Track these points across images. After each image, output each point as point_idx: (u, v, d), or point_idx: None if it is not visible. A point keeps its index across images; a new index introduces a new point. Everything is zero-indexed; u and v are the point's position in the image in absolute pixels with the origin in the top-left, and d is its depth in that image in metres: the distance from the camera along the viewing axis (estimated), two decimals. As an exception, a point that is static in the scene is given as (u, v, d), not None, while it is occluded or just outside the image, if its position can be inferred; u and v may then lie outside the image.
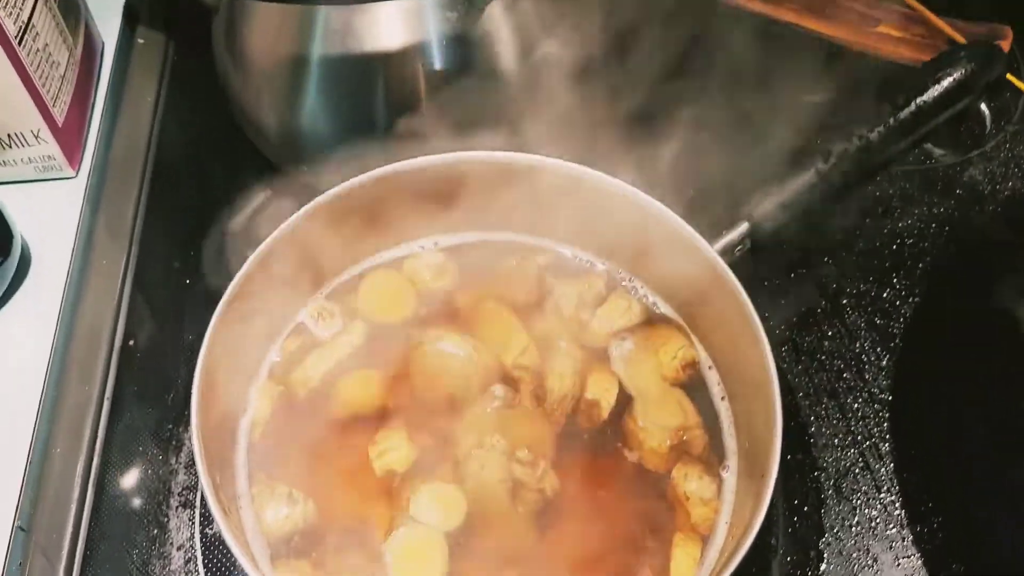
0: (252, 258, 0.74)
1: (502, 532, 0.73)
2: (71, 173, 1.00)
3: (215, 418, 0.72)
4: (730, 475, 0.74)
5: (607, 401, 0.78)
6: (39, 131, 0.94)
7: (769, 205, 0.77)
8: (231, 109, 1.03)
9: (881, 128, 0.76)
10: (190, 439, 0.86)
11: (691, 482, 0.73)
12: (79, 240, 0.96)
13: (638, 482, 0.75)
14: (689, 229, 0.76)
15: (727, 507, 0.73)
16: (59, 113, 0.96)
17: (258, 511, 0.72)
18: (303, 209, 0.76)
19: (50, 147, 0.96)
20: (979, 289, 0.96)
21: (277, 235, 0.75)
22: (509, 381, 0.79)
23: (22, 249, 0.94)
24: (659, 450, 0.74)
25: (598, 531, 0.73)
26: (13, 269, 0.92)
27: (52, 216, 0.97)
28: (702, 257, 0.76)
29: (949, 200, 1.04)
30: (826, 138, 0.76)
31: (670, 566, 0.70)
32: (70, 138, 0.99)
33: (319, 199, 0.77)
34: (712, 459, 0.75)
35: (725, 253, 0.76)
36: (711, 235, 0.76)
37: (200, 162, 1.06)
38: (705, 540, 0.71)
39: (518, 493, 0.73)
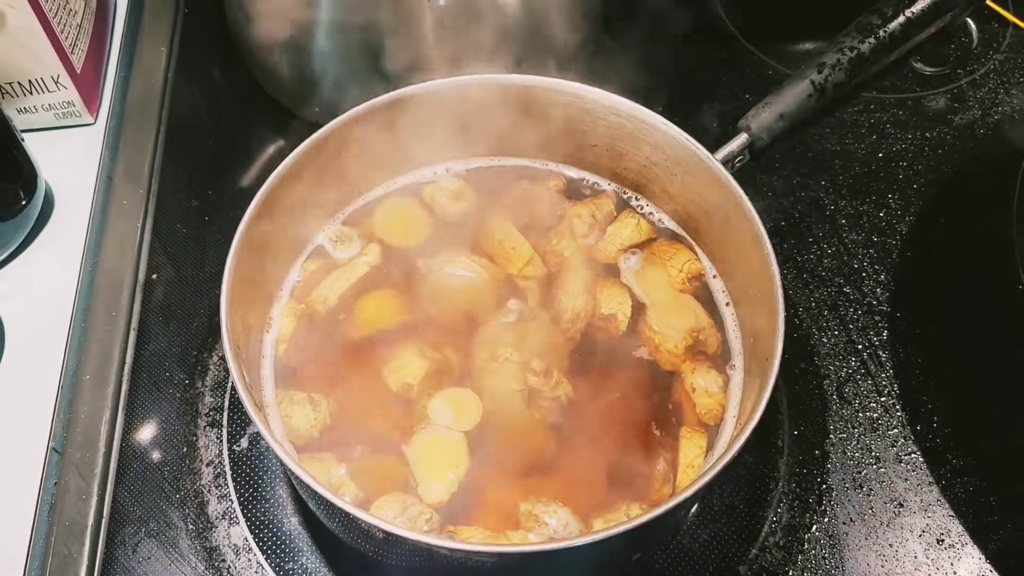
0: (271, 180, 0.77)
1: (520, 434, 0.76)
2: (90, 119, 1.03)
3: (242, 335, 0.75)
4: (736, 373, 0.77)
5: (623, 313, 0.81)
6: (59, 76, 0.97)
7: (766, 116, 0.79)
8: (242, 55, 1.06)
9: (872, 40, 0.79)
10: (215, 364, 0.90)
11: (699, 377, 0.76)
12: (100, 182, 0.99)
13: (651, 383, 0.78)
14: (692, 141, 0.78)
15: (734, 401, 0.76)
16: (77, 60, 0.99)
17: (284, 416, 0.75)
18: (319, 131, 0.79)
19: (69, 93, 0.99)
20: (970, 208, 0.99)
21: (295, 157, 0.78)
22: (520, 294, 0.82)
23: (46, 192, 0.97)
24: (675, 351, 0.77)
25: (613, 429, 0.76)
26: (38, 210, 0.96)
27: (73, 161, 1.01)
28: (705, 168, 0.78)
29: (941, 125, 1.07)
30: (819, 49, 0.79)
31: (679, 457, 0.74)
32: (88, 84, 1.02)
33: (335, 121, 0.79)
34: (720, 358, 0.78)
35: (726, 163, 0.79)
36: (712, 147, 0.79)
37: (214, 107, 1.09)
38: (712, 431, 0.74)
39: (534, 401, 0.76)
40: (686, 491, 0.62)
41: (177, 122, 1.07)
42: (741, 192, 0.75)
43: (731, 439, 0.70)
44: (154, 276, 0.95)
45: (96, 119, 1.04)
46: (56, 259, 0.95)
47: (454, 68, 0.96)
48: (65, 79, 0.98)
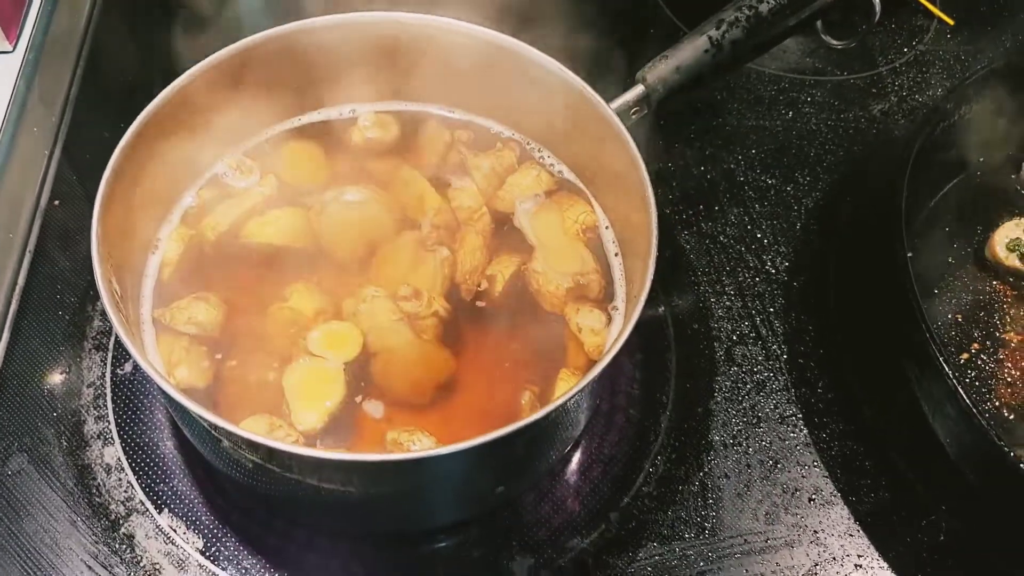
0: (168, 89, 0.77)
1: (416, 360, 0.76)
2: (8, 47, 1.02)
3: (121, 244, 0.74)
4: (618, 315, 0.78)
5: (503, 276, 0.81)
6: (-26, -1, 0.96)
7: (663, 68, 0.80)
8: (168, -6, 1.06)
9: (771, 1, 0.80)
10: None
11: (583, 316, 0.76)
12: (12, 108, 0.98)
13: (533, 323, 0.78)
14: (588, 89, 0.79)
15: (611, 341, 0.76)
16: (-4, -16, 0.99)
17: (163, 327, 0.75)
18: (218, 53, 0.79)
19: (-14, 16, 0.98)
20: (872, 190, 1.01)
21: (189, 77, 0.78)
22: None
23: (-46, 113, 0.96)
24: (556, 292, 0.78)
25: (491, 365, 0.76)
26: (-57, 130, 0.95)
27: (-14, 85, 1.00)
28: (600, 117, 0.79)
29: (857, 109, 1.09)
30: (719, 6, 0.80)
31: (553, 394, 0.74)
32: (7, 10, 1.01)
33: (243, 41, 0.79)
34: (604, 301, 0.79)
35: (622, 114, 0.80)
36: (608, 97, 0.80)
37: (137, 42, 1.09)
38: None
39: (415, 324, 0.76)
40: (547, 407, 0.63)
41: (98, 54, 1.06)
42: (630, 140, 0.76)
43: (593, 370, 0.71)
44: (56, 202, 0.95)
45: (14, 47, 1.03)
46: (-42, 178, 0.94)
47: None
48: (-18, 2, 0.97)
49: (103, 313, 0.88)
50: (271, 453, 0.64)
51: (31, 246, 0.92)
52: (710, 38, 0.80)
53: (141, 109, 1.01)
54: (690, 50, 0.81)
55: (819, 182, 1.02)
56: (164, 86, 1.04)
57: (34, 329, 0.87)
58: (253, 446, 0.63)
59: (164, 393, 0.63)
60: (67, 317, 0.88)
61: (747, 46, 0.82)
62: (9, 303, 0.87)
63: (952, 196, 0.99)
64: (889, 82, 1.11)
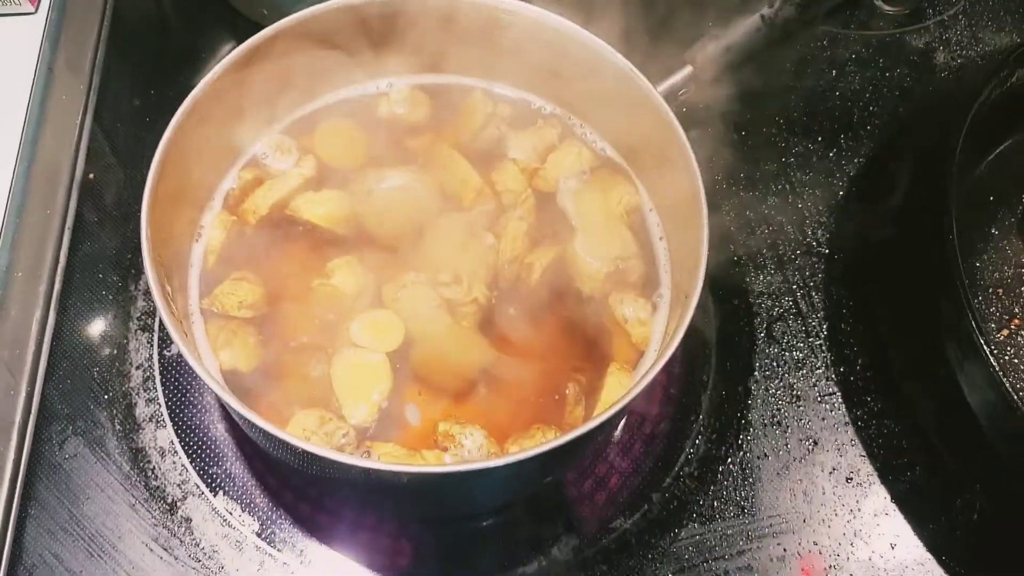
0: (203, 83, 0.75)
1: (450, 352, 0.77)
2: (30, 8, 1.00)
3: (168, 240, 0.74)
4: (664, 303, 0.78)
5: (540, 264, 0.81)
6: (-4, -39, 0.93)
7: (713, 49, 0.78)
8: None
9: (826, -25, 0.78)
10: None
11: (627, 306, 0.76)
12: (38, 75, 0.96)
13: (576, 309, 0.78)
14: (635, 71, 0.77)
15: (658, 333, 0.76)
16: (16, -56, 0.96)
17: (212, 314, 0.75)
18: (257, 35, 0.76)
19: (8, -22, 0.95)
20: (918, 154, 0.99)
21: (231, 60, 0.76)
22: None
23: (-19, 82, 0.95)
24: (595, 276, 0.78)
25: (533, 354, 0.77)
26: (-27, 100, 0.93)
27: (11, 51, 0.98)
28: (646, 100, 0.77)
29: (903, 66, 1.06)
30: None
31: (601, 388, 0.75)
32: (28, -29, 0.98)
33: (279, 23, 0.77)
34: (647, 288, 0.79)
35: (669, 96, 0.78)
36: (656, 78, 0.78)
37: (161, 6, 1.06)
38: (641, 358, 0.75)
39: (455, 311, 0.77)
40: (599, 418, 0.63)
41: (122, 17, 1.03)
42: (678, 126, 0.74)
43: (643, 374, 0.71)
44: (91, 175, 0.94)
45: (37, 8, 1.00)
46: (-9, 151, 0.93)
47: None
48: (3, -36, 0.94)
49: (146, 293, 0.88)
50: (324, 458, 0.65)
51: (70, 222, 0.91)
52: (762, 16, 0.78)
53: (167, 75, 1.01)
54: (741, 29, 0.79)
55: (862, 147, 1.00)
56: (190, 49, 1.03)
57: (79, 310, 0.88)
58: (309, 455, 0.64)
59: (219, 398, 0.64)
60: (110, 297, 0.88)
61: (799, 22, 0.79)
62: (52, 283, 0.88)
63: (997, 164, 0.97)
64: (937, 36, 1.08)
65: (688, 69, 0.78)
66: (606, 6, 0.81)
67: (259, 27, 0.98)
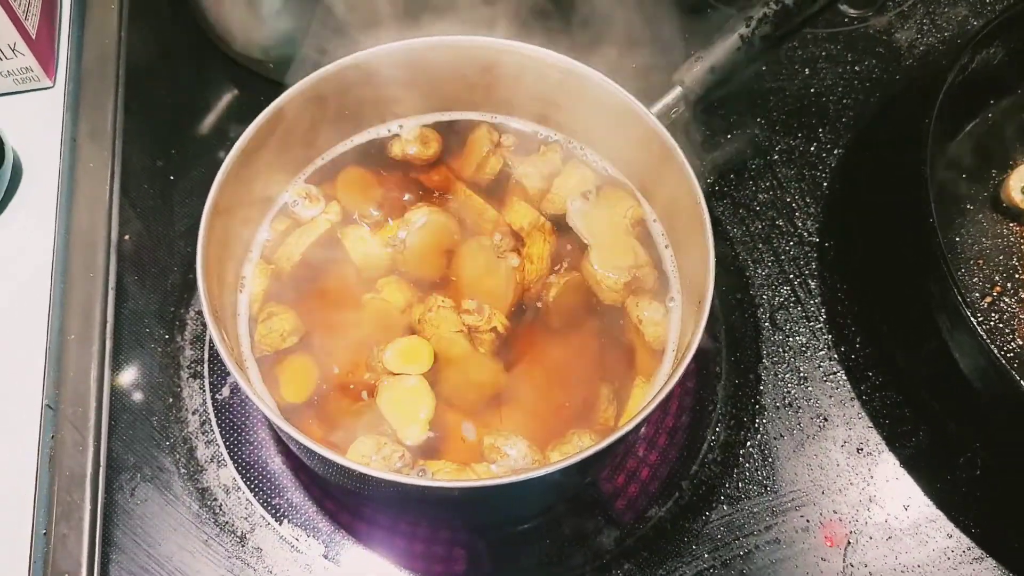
0: (236, 146, 0.81)
1: (471, 372, 0.83)
2: (49, 83, 1.05)
3: (217, 297, 0.80)
4: (676, 306, 0.85)
5: (558, 283, 0.87)
6: (15, 44, 0.99)
7: (698, 70, 0.85)
8: (194, 13, 1.08)
9: (797, -8, 0.84)
10: (192, 319, 0.96)
11: (643, 309, 0.83)
12: (64, 145, 1.02)
13: (596, 318, 0.85)
14: (629, 96, 0.84)
15: (673, 335, 0.83)
16: (31, 26, 1.01)
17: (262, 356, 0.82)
18: (281, 97, 0.82)
19: (27, 59, 1.01)
20: (893, 140, 1.06)
21: (258, 124, 0.82)
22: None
23: (13, 159, 1.00)
24: (615, 287, 0.84)
25: (560, 361, 0.83)
26: (7, 178, 0.99)
27: (37, 126, 1.03)
28: (642, 122, 0.84)
29: (871, 59, 1.13)
30: (747, 4, 0.84)
31: (629, 395, 0.81)
32: (44, 49, 1.04)
33: (297, 86, 0.83)
34: (660, 293, 0.85)
35: (662, 116, 0.84)
36: (649, 100, 0.84)
37: (169, 62, 1.12)
38: (659, 357, 0.82)
39: (474, 337, 0.83)
40: (632, 421, 0.70)
41: (134, 79, 1.09)
42: (675, 145, 0.81)
43: (669, 374, 0.78)
44: (126, 236, 1.00)
45: (55, 82, 1.06)
46: (30, 224, 0.99)
47: (404, 20, 0.99)
48: (22, 46, 1.00)
49: (193, 343, 0.95)
50: (385, 480, 0.71)
51: (112, 282, 0.97)
52: (741, 36, 0.85)
53: (184, 131, 1.07)
54: (722, 49, 0.85)
55: (840, 138, 1.07)
56: (202, 103, 1.08)
57: (132, 364, 0.94)
58: (373, 480, 0.71)
59: (280, 432, 0.70)
60: (159, 349, 0.94)
61: (775, 38, 0.86)
62: (104, 342, 0.94)
63: (967, 142, 1.04)
64: (898, 25, 1.15)
65: (678, 90, 0.85)
66: (597, 40, 0.87)
67: (264, 79, 1.05)
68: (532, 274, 0.86)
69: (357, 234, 0.87)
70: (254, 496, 0.88)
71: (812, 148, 1.07)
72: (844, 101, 1.09)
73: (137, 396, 0.92)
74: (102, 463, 0.88)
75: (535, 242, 0.87)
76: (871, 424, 0.91)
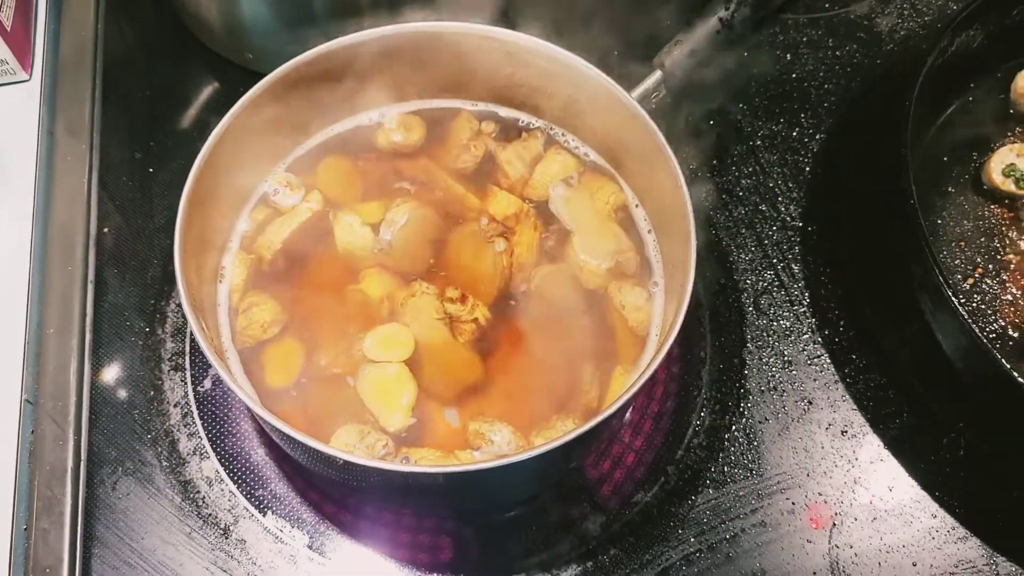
0: (213, 136, 0.80)
1: (451, 359, 0.83)
2: (25, 76, 1.04)
3: (196, 287, 0.79)
4: (658, 291, 0.84)
5: (541, 272, 0.87)
6: (-11, 36, 0.98)
7: (678, 54, 0.85)
8: (172, 3, 1.07)
9: (776, -25, 0.84)
10: (172, 311, 0.95)
11: (626, 295, 0.83)
12: (41, 139, 1.01)
13: (581, 305, 0.84)
14: (610, 81, 0.83)
15: (656, 319, 0.83)
16: (6, 18, 1.00)
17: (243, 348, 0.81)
18: (258, 86, 0.82)
19: (2, 52, 1.00)
20: (874, 125, 1.06)
21: (233, 113, 0.81)
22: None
23: (-11, 151, 0.99)
24: (598, 271, 0.84)
25: (543, 347, 0.83)
26: (-17, 171, 0.98)
27: (13, 119, 1.02)
28: (623, 107, 0.84)
29: (852, 44, 1.13)
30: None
31: (611, 389, 0.81)
32: (20, 41, 1.03)
33: (274, 74, 0.82)
34: (643, 278, 0.85)
35: (643, 101, 0.84)
36: (630, 85, 0.84)
37: (147, 57, 1.11)
38: (641, 342, 0.82)
39: (455, 327, 0.83)
40: (614, 404, 0.70)
41: (112, 71, 1.08)
42: (656, 129, 0.81)
43: (652, 357, 0.78)
44: (105, 229, 0.99)
45: (31, 75, 1.05)
46: (7, 218, 0.98)
47: (383, 8, 0.99)
48: (-4, 38, 0.99)
49: (174, 335, 0.94)
50: (369, 468, 0.71)
51: (91, 276, 0.96)
52: (720, 19, 0.85)
53: (163, 124, 1.06)
54: (702, 33, 0.85)
55: (822, 124, 1.07)
56: (181, 96, 1.08)
57: (112, 357, 0.93)
58: (358, 468, 0.70)
59: (263, 423, 0.69)
60: (140, 342, 0.94)
61: (754, 20, 0.86)
62: (83, 335, 0.93)
63: (947, 126, 1.04)
64: (879, 11, 1.15)
65: (658, 74, 0.85)
66: (577, 25, 0.87)
67: (243, 70, 1.04)
68: (521, 259, 0.86)
69: (347, 221, 0.87)
70: (237, 488, 0.87)
71: (794, 133, 1.07)
72: (826, 86, 1.10)
73: (118, 390, 0.91)
74: (83, 457, 0.87)
75: (524, 229, 0.87)
76: (855, 406, 0.92)
